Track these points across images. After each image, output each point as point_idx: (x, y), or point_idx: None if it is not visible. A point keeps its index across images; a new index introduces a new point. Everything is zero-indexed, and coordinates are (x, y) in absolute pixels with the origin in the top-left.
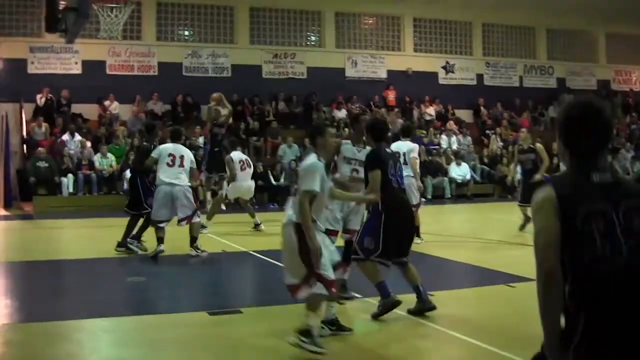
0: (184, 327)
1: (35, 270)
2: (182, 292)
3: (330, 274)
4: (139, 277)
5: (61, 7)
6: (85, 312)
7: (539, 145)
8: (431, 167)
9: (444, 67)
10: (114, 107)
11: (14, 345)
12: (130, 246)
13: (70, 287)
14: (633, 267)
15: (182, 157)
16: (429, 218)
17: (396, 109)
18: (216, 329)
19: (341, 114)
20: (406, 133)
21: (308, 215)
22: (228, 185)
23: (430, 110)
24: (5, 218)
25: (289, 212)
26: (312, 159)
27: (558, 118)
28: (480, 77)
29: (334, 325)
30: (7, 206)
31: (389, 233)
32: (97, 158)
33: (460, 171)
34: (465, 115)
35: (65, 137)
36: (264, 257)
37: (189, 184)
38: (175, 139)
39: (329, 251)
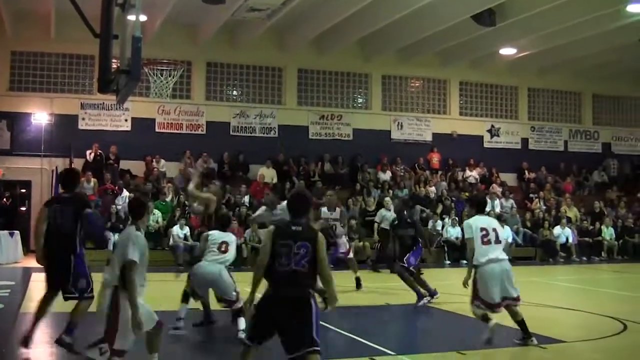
0: None
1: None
2: None
3: None
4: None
5: (113, 69)
6: None
7: None
8: None
9: (489, 131)
10: (161, 164)
11: None
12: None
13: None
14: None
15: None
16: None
17: (440, 172)
18: None
19: (385, 175)
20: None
21: None
22: None
23: (475, 173)
24: None
25: None
26: None
27: None
28: (525, 140)
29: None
30: None
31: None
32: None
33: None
34: (509, 178)
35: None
36: None
37: None
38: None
39: None
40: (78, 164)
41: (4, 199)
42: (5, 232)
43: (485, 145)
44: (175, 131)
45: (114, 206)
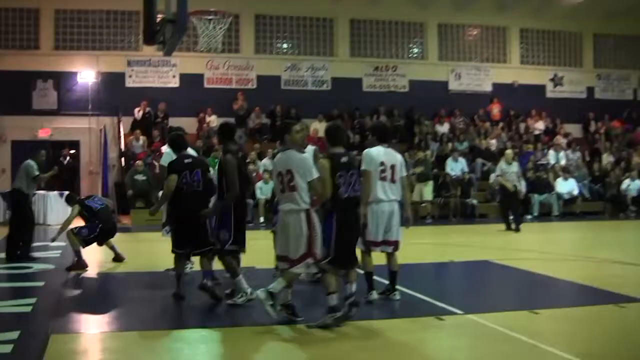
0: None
1: (134, 282)
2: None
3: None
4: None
5: (159, 19)
6: (182, 321)
7: None
8: (538, 183)
9: (552, 80)
10: (212, 120)
11: (114, 352)
12: None
13: (169, 298)
14: None
15: None
16: (535, 236)
17: (500, 123)
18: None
19: (443, 128)
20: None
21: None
22: None
23: (539, 125)
24: None
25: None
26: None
27: None
28: (590, 89)
29: (289, 309)
30: None
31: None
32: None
33: (567, 186)
34: (574, 129)
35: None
36: None
37: None
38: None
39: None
40: (126, 122)
41: (63, 158)
42: (55, 192)
43: (548, 95)
44: (225, 86)
45: None
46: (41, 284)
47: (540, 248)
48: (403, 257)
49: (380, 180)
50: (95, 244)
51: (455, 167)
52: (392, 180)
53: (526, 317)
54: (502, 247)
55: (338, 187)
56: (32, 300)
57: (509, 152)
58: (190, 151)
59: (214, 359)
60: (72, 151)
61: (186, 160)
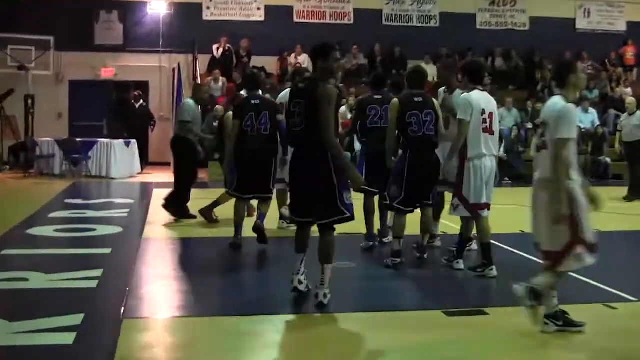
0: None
1: (214, 248)
2: (405, 284)
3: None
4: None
5: None
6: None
7: None
8: None
9: None
10: (301, 59)
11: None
12: None
13: (247, 272)
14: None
15: None
16: None
17: (635, 69)
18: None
19: None
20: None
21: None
22: None
23: None
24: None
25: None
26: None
27: None
28: None
29: (560, 320)
30: None
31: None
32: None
33: None
34: None
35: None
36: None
37: None
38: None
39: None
40: (203, 60)
41: (135, 100)
42: (120, 141)
43: None
44: (317, 21)
45: None
46: (108, 251)
47: None
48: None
49: (484, 132)
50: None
51: (585, 119)
52: (492, 132)
53: None
54: None
55: (410, 125)
56: (98, 273)
57: (630, 100)
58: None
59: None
60: (140, 93)
61: (253, 102)
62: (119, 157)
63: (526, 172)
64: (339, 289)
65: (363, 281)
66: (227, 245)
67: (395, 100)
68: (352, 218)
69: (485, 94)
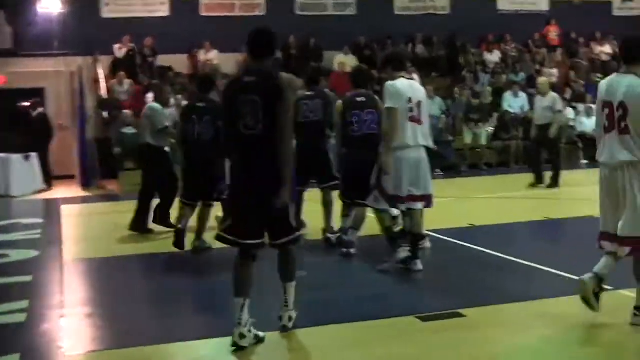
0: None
1: (133, 270)
2: (367, 291)
3: None
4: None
5: None
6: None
7: None
8: None
9: None
10: (212, 56)
11: None
12: None
13: (190, 290)
14: None
15: None
16: None
17: (559, 49)
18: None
19: (493, 57)
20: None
21: None
22: None
23: (606, 49)
24: (84, 200)
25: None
26: None
27: None
28: None
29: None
30: (85, 185)
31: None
32: None
33: None
34: None
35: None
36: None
37: None
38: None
39: None
40: (105, 62)
41: (32, 109)
42: (18, 155)
43: (615, 12)
44: (227, 14)
45: None
46: (28, 278)
47: None
48: (481, 216)
49: (410, 120)
50: None
51: (515, 103)
52: (420, 121)
53: None
54: (595, 198)
55: (351, 125)
56: (24, 305)
57: (542, 80)
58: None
59: None
60: (36, 101)
61: (198, 105)
62: (18, 172)
63: (457, 162)
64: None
65: (318, 292)
66: (163, 259)
67: (339, 101)
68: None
69: (412, 82)
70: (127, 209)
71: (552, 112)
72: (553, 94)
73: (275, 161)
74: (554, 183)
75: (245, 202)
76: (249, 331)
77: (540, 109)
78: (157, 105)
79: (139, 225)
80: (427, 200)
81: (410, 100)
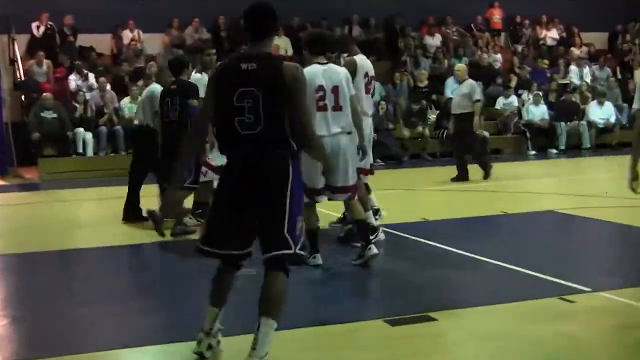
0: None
1: (49, 267)
2: (327, 292)
3: None
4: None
5: None
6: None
7: None
8: (564, 109)
9: None
10: (136, 36)
11: None
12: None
13: (121, 292)
14: None
15: None
16: (565, 171)
17: (503, 33)
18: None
19: (434, 40)
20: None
21: None
22: None
23: (552, 33)
24: (0, 189)
25: None
26: None
27: None
28: None
29: None
30: (0, 173)
31: None
32: (125, 104)
33: (602, 113)
34: (598, 39)
35: (73, 77)
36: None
37: None
38: None
39: None
40: (22, 41)
41: None
42: None
43: None
44: None
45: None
46: None
47: (570, 189)
48: (433, 210)
49: (319, 110)
50: None
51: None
52: (337, 108)
53: None
54: (550, 191)
55: None
56: None
57: (459, 66)
58: None
59: None
60: None
61: (172, 87)
62: None
63: (399, 151)
64: (240, 303)
65: None
66: (95, 254)
67: None
68: (296, 257)
69: (329, 66)
70: (48, 199)
71: (470, 100)
72: (471, 81)
73: (280, 169)
74: (487, 174)
75: (232, 209)
76: (218, 342)
77: (458, 96)
78: (157, 87)
79: (134, 214)
80: (350, 191)
81: (320, 87)
